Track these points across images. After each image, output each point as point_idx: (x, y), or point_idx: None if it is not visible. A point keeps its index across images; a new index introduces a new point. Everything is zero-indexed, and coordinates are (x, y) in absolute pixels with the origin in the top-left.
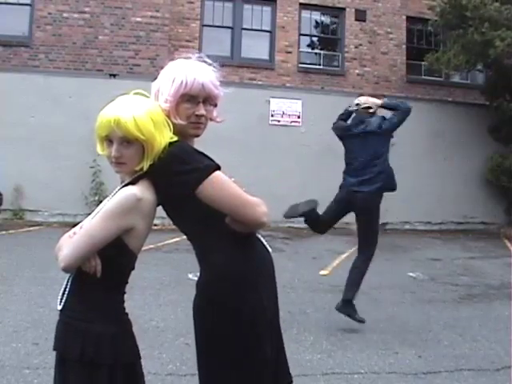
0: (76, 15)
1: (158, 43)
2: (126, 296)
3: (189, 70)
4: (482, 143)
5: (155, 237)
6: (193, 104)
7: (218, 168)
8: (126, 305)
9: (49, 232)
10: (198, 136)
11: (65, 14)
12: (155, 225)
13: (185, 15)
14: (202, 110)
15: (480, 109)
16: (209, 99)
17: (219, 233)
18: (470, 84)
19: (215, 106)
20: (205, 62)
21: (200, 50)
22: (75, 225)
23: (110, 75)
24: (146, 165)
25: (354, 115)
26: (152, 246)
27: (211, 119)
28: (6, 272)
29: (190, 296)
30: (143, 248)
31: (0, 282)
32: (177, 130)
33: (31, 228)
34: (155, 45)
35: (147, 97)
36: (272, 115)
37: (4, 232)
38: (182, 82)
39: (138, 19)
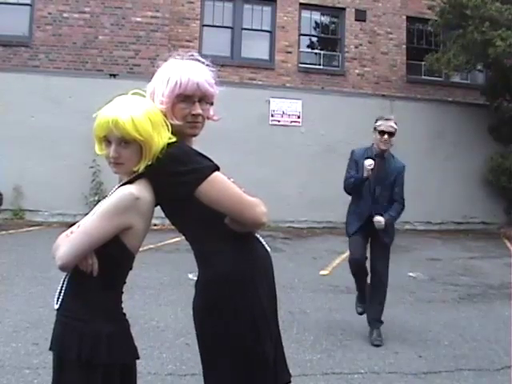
0: (76, 15)
1: (157, 43)
2: (125, 296)
3: (183, 70)
4: (482, 143)
5: (155, 237)
6: (188, 104)
7: (217, 169)
8: (125, 305)
9: (49, 232)
10: (195, 135)
11: (65, 14)
12: (155, 225)
13: (185, 15)
14: (198, 110)
15: (480, 109)
16: (205, 98)
17: (219, 233)
18: (470, 84)
19: (211, 104)
20: (198, 60)
21: (200, 49)
22: (73, 224)
23: (110, 75)
24: (143, 165)
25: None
26: (152, 246)
27: (208, 118)
28: (6, 272)
29: (190, 296)
30: (143, 248)
31: (0, 282)
32: (174, 130)
33: (31, 228)
34: (155, 45)
35: (145, 97)
36: (272, 115)
37: (4, 232)
38: (176, 83)
39: (138, 19)
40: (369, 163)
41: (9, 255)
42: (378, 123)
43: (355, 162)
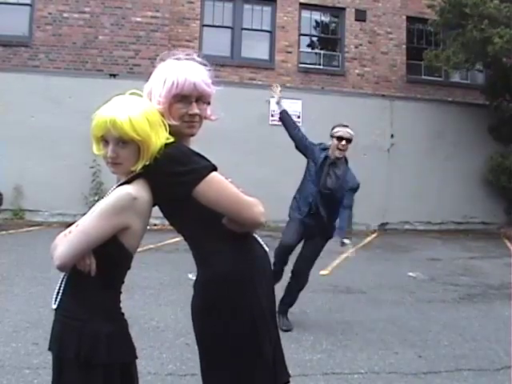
0: (76, 15)
1: (158, 43)
2: (126, 296)
3: (179, 71)
4: (482, 143)
5: (155, 237)
6: (185, 104)
7: (215, 169)
8: (125, 305)
9: (49, 232)
10: (193, 135)
11: (65, 14)
12: (155, 225)
13: (185, 15)
14: (195, 109)
15: (480, 109)
16: (202, 98)
17: (218, 234)
18: (470, 84)
19: (208, 104)
20: (194, 60)
21: (200, 49)
22: (72, 224)
23: (110, 75)
24: (141, 165)
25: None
26: (152, 246)
27: (205, 118)
28: (6, 272)
29: (190, 296)
30: (144, 248)
31: (0, 282)
32: (172, 131)
33: (31, 228)
34: (155, 45)
35: (142, 97)
36: (272, 115)
37: (4, 232)
38: (173, 83)
39: (138, 19)
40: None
41: (9, 255)
42: (336, 129)
43: (313, 146)
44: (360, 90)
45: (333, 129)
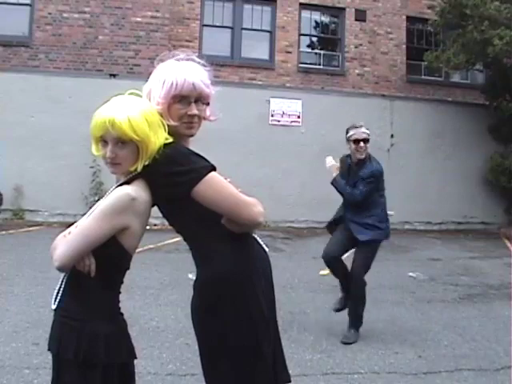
0: (76, 15)
1: (157, 43)
2: (125, 296)
3: (178, 71)
4: (482, 143)
5: (155, 237)
6: (185, 104)
7: (214, 169)
8: (125, 305)
9: (49, 232)
10: (192, 136)
11: (65, 14)
12: (155, 225)
13: (185, 15)
14: (194, 110)
15: (480, 109)
16: (201, 98)
17: (217, 234)
18: (470, 84)
19: (207, 104)
20: (194, 60)
21: (200, 50)
22: (72, 224)
23: (110, 75)
24: (140, 165)
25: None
26: (152, 246)
27: (204, 118)
28: (6, 272)
29: (190, 296)
30: (143, 248)
31: (0, 282)
32: (171, 131)
33: (31, 228)
34: (155, 45)
35: (142, 97)
36: (272, 115)
37: (4, 232)
38: (172, 84)
39: (138, 19)
40: (328, 161)
41: (9, 255)
42: (351, 133)
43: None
44: (360, 89)
45: (347, 132)
